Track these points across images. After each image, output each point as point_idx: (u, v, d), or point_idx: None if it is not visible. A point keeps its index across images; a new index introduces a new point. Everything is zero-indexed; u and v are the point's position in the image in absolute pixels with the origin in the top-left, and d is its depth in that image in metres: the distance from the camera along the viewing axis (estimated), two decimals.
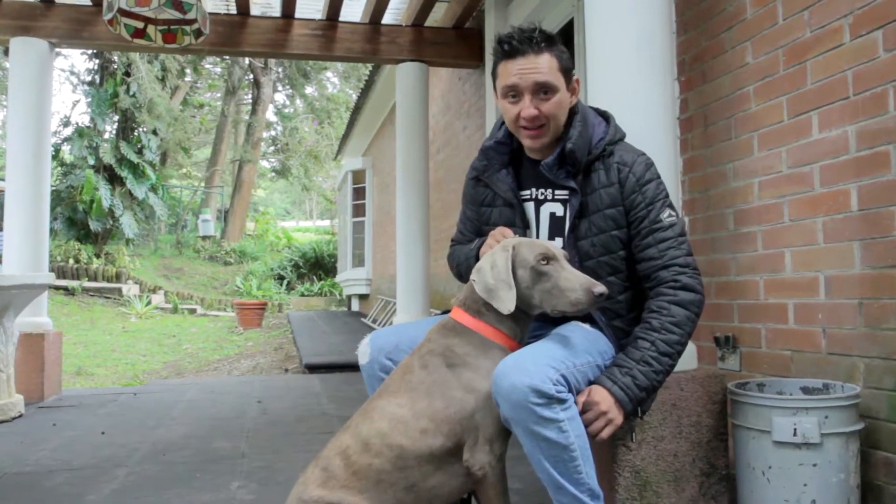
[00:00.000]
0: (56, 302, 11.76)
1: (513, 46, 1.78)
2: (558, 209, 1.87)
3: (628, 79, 2.16)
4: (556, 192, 1.86)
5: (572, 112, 1.84)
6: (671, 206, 1.79)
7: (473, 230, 2.05)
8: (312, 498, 1.58)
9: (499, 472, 1.62)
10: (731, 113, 2.62)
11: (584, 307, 1.60)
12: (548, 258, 1.64)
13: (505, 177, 1.91)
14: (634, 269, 1.82)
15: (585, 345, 1.73)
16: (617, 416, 1.65)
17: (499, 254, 1.68)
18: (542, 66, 1.76)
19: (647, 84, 2.14)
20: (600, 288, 1.58)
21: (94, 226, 14.13)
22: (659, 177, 1.81)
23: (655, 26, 2.19)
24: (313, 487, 1.60)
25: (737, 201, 2.58)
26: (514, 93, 1.79)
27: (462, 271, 1.99)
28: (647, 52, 2.16)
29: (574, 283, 1.60)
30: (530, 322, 1.74)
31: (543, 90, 1.77)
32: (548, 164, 1.81)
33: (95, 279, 13.55)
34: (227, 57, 20.34)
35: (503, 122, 1.92)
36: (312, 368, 6.22)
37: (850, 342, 2.09)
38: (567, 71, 1.81)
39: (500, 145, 1.91)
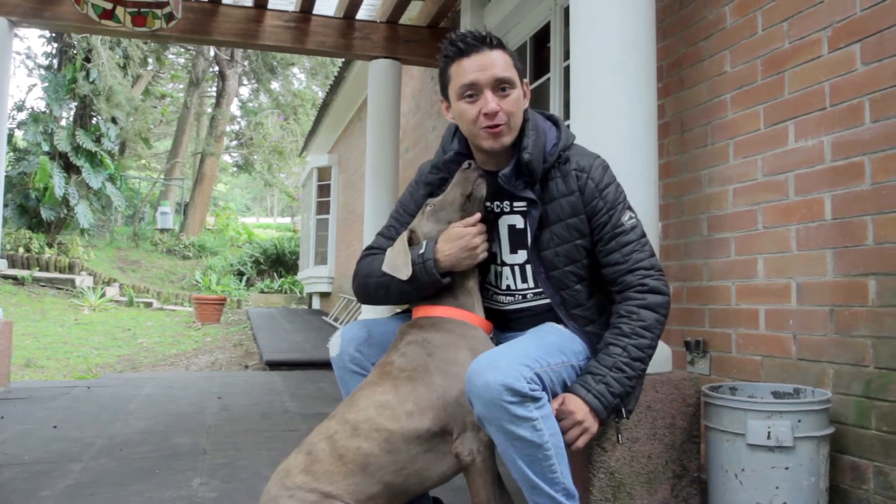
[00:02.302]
0: (4, 292, 11.35)
1: (467, 43, 1.73)
2: (518, 221, 1.83)
3: (612, 81, 2.16)
4: (514, 203, 1.83)
5: (523, 119, 1.79)
6: (630, 208, 1.78)
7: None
8: (296, 484, 1.54)
9: (487, 459, 1.61)
10: (707, 120, 2.65)
11: (468, 185, 1.73)
12: (426, 205, 1.81)
13: None
14: (600, 274, 1.81)
15: (560, 345, 1.72)
16: (592, 425, 1.64)
17: (399, 238, 1.81)
18: (499, 61, 1.72)
19: (632, 87, 2.15)
20: (463, 165, 1.76)
21: (46, 214, 13.67)
22: (615, 179, 1.79)
23: (639, 30, 2.20)
24: (297, 473, 1.56)
25: (711, 207, 2.61)
26: (472, 91, 1.72)
27: (388, 282, 1.78)
28: (632, 55, 2.17)
29: (449, 187, 1.78)
30: (475, 287, 1.80)
31: (502, 85, 1.71)
32: (505, 175, 1.76)
33: (47, 269, 13.10)
34: (193, 48, 19.99)
35: (455, 133, 1.87)
36: (273, 365, 6.12)
37: (821, 348, 2.12)
38: (520, 71, 1.78)
39: (460, 156, 1.85)
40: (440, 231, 1.76)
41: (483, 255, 1.76)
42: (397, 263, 1.74)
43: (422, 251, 1.73)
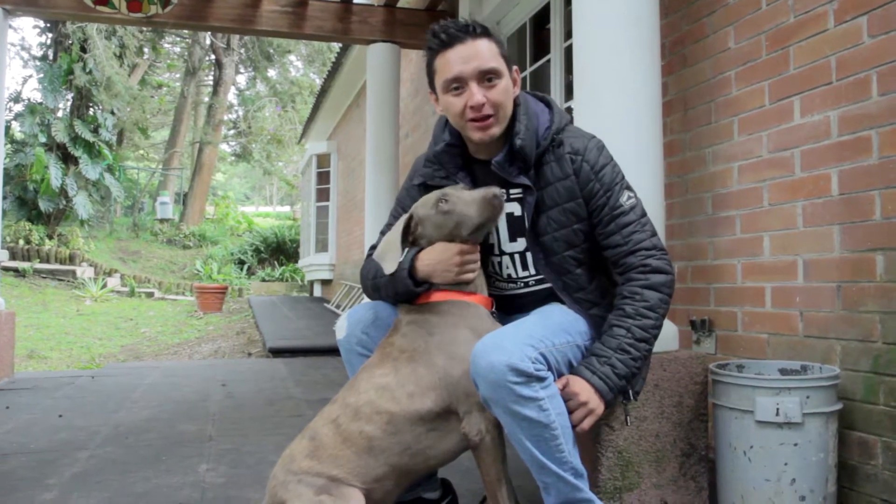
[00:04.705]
0: (5, 284, 11.35)
1: (450, 34, 1.69)
2: (515, 209, 1.81)
3: (616, 59, 2.13)
4: (511, 191, 1.80)
5: (514, 104, 1.76)
6: (629, 188, 1.75)
7: None
8: (302, 469, 1.54)
9: (496, 437, 1.61)
10: (711, 97, 2.63)
11: (489, 214, 1.66)
12: (442, 199, 1.69)
13: (463, 179, 1.82)
14: (601, 256, 1.79)
15: (565, 325, 1.71)
16: (598, 406, 1.63)
17: (398, 222, 1.74)
18: (484, 51, 1.68)
19: (635, 65, 2.13)
20: (493, 190, 1.64)
21: (45, 206, 13.65)
22: (612, 159, 1.76)
23: (642, 7, 2.18)
24: (301, 458, 1.56)
25: (715, 185, 2.59)
26: (457, 84, 1.69)
27: (380, 284, 1.79)
28: (636, 32, 2.14)
29: (470, 200, 1.66)
30: (479, 271, 1.76)
31: (488, 76, 1.68)
32: (499, 163, 1.73)
33: (48, 261, 13.12)
34: (189, 36, 19.85)
35: (446, 124, 1.84)
36: (276, 353, 6.12)
37: (828, 325, 2.11)
38: (507, 59, 1.73)
39: (452, 147, 1.82)
40: (439, 234, 1.70)
41: (467, 278, 1.71)
42: (386, 254, 1.70)
43: (401, 259, 1.72)
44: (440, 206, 1.69)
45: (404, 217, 1.75)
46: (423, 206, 1.74)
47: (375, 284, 1.82)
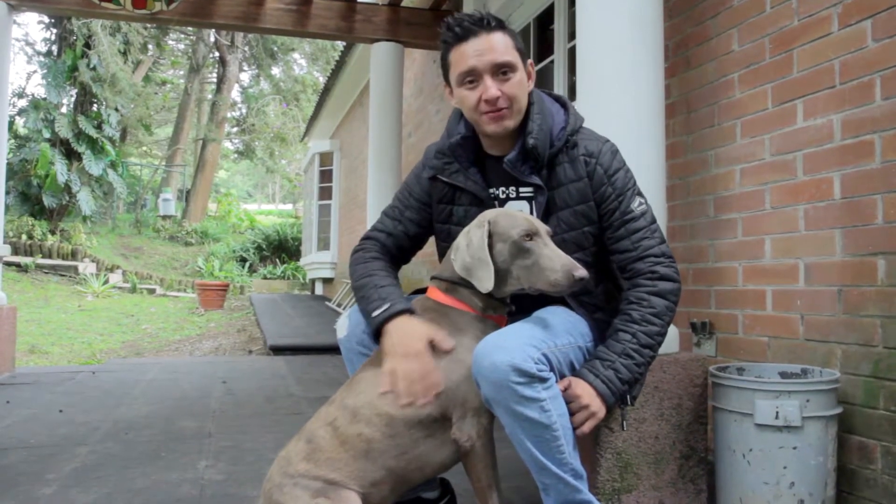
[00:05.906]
0: (7, 279, 11.37)
1: (464, 28, 1.68)
2: (524, 207, 1.80)
3: (619, 60, 2.14)
4: (521, 189, 1.79)
5: (528, 102, 1.75)
6: (640, 194, 1.74)
7: (410, 222, 1.89)
8: (299, 472, 1.54)
9: (486, 444, 1.61)
10: (714, 100, 2.62)
11: (562, 289, 1.56)
12: (531, 234, 1.59)
13: (474, 174, 1.80)
14: (607, 260, 1.79)
15: (567, 326, 1.71)
16: (600, 410, 1.63)
17: (474, 230, 1.63)
18: (498, 44, 1.67)
19: (639, 66, 2.12)
20: (581, 272, 1.54)
21: (48, 201, 13.67)
22: (625, 164, 1.76)
23: (646, 8, 2.18)
24: (298, 461, 1.56)
25: (717, 188, 2.59)
26: (471, 77, 1.68)
27: (355, 291, 1.77)
28: (640, 34, 2.14)
29: (556, 262, 1.56)
30: (507, 297, 1.70)
31: (503, 69, 1.67)
32: (511, 161, 1.72)
33: (50, 256, 13.13)
34: (193, 33, 19.88)
35: (461, 116, 1.82)
36: (277, 350, 6.13)
37: (829, 329, 2.11)
38: (522, 52, 1.72)
39: (467, 140, 1.80)
40: (498, 255, 1.61)
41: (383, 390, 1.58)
42: (476, 271, 1.59)
43: (386, 307, 1.63)
44: (524, 239, 1.58)
45: (483, 227, 1.62)
46: (508, 223, 1.61)
47: (354, 288, 1.80)
